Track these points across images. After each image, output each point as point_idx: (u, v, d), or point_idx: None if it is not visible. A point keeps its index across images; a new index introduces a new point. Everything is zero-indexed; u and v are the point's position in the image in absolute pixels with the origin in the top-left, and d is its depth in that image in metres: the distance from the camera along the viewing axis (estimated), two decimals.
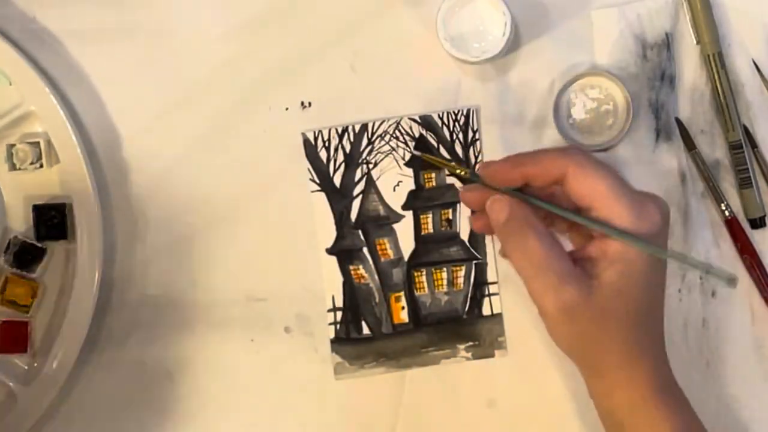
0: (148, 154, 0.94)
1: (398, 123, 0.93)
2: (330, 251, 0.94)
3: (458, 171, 0.84)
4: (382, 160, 0.93)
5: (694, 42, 0.91)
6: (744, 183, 0.90)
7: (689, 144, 0.91)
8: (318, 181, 0.93)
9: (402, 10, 0.93)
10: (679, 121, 0.92)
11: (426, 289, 0.93)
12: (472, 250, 0.93)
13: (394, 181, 0.93)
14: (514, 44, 0.91)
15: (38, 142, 0.92)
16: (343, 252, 0.94)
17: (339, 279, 0.93)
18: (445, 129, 0.93)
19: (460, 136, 0.93)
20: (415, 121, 0.93)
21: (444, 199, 0.93)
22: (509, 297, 0.92)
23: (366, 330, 0.93)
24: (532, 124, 0.92)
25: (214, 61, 0.94)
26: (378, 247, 0.93)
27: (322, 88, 0.93)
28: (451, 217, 0.93)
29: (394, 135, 0.93)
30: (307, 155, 0.93)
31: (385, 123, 0.93)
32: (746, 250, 0.91)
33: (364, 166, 0.93)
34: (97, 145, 0.94)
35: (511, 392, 0.93)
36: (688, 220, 0.92)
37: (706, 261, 0.89)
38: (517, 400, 0.93)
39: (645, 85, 0.92)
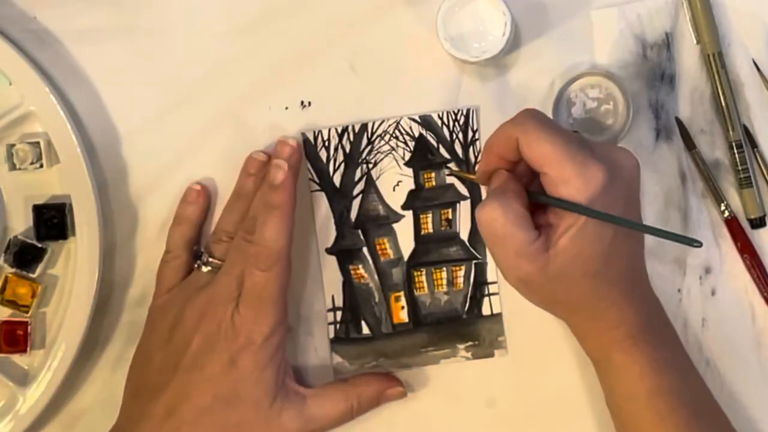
0: (148, 154, 0.94)
1: (398, 123, 0.93)
2: (330, 251, 0.94)
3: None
4: (381, 159, 0.93)
5: (694, 42, 0.91)
6: (744, 183, 0.90)
7: (689, 144, 0.91)
8: (318, 181, 0.93)
9: (402, 10, 0.93)
10: (679, 121, 0.92)
11: (426, 289, 0.93)
12: (471, 249, 0.93)
13: (393, 181, 0.93)
14: (514, 44, 0.91)
15: (38, 142, 0.92)
16: (343, 252, 0.94)
17: (339, 279, 0.93)
18: (444, 129, 0.93)
19: (460, 135, 0.93)
20: (414, 120, 0.93)
21: (444, 198, 0.93)
22: (509, 297, 0.92)
23: (366, 330, 0.93)
24: None
25: (214, 60, 0.94)
26: (378, 247, 0.93)
27: (322, 88, 0.93)
28: (450, 216, 0.93)
29: (393, 135, 0.93)
30: (307, 155, 0.93)
31: (384, 123, 0.93)
32: (746, 250, 0.91)
33: (364, 165, 0.93)
34: (96, 145, 0.94)
35: (510, 392, 0.93)
36: (688, 220, 0.92)
37: (662, 228, 0.87)
38: (517, 400, 0.93)
39: (645, 85, 0.92)
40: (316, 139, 0.93)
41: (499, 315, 0.93)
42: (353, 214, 0.93)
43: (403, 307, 0.93)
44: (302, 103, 0.93)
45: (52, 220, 0.92)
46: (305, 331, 0.94)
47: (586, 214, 0.79)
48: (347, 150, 0.93)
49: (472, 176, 0.90)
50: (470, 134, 0.92)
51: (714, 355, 0.91)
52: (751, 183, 0.91)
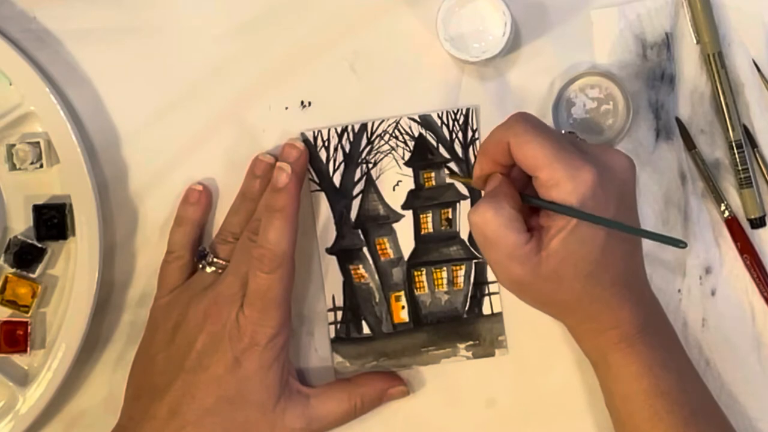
0: (148, 153, 0.94)
1: (398, 122, 0.93)
2: (330, 251, 0.94)
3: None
4: (381, 159, 0.93)
5: (694, 42, 0.91)
6: (744, 183, 0.90)
7: (689, 144, 0.91)
8: (318, 181, 0.93)
9: (402, 10, 0.93)
10: (679, 121, 0.92)
11: (426, 289, 0.93)
12: (471, 249, 0.93)
13: (393, 181, 0.93)
14: (514, 44, 0.91)
15: (38, 142, 0.92)
16: (343, 251, 0.94)
17: (339, 278, 0.93)
18: (444, 128, 0.93)
19: (460, 135, 0.93)
20: (414, 120, 0.93)
21: (444, 198, 0.93)
22: (509, 296, 0.91)
23: (366, 329, 0.93)
24: None
25: (214, 60, 0.94)
26: (378, 247, 0.93)
27: (322, 88, 0.93)
28: (450, 216, 0.93)
29: (393, 134, 0.93)
30: None
31: (384, 122, 0.93)
32: (746, 250, 0.91)
33: (364, 165, 0.93)
34: (96, 145, 0.94)
35: (511, 391, 0.93)
36: (688, 220, 0.92)
37: (652, 231, 0.87)
38: (517, 399, 0.93)
39: (645, 85, 0.92)
40: (315, 139, 0.93)
41: (500, 314, 0.93)
42: (353, 214, 0.93)
43: (403, 307, 0.93)
44: (302, 103, 0.93)
45: (52, 220, 0.92)
46: (306, 331, 0.94)
47: (575, 216, 0.79)
48: (347, 150, 0.93)
49: (469, 180, 0.90)
50: (470, 134, 0.92)
51: (714, 355, 0.91)
52: (751, 183, 0.91)
